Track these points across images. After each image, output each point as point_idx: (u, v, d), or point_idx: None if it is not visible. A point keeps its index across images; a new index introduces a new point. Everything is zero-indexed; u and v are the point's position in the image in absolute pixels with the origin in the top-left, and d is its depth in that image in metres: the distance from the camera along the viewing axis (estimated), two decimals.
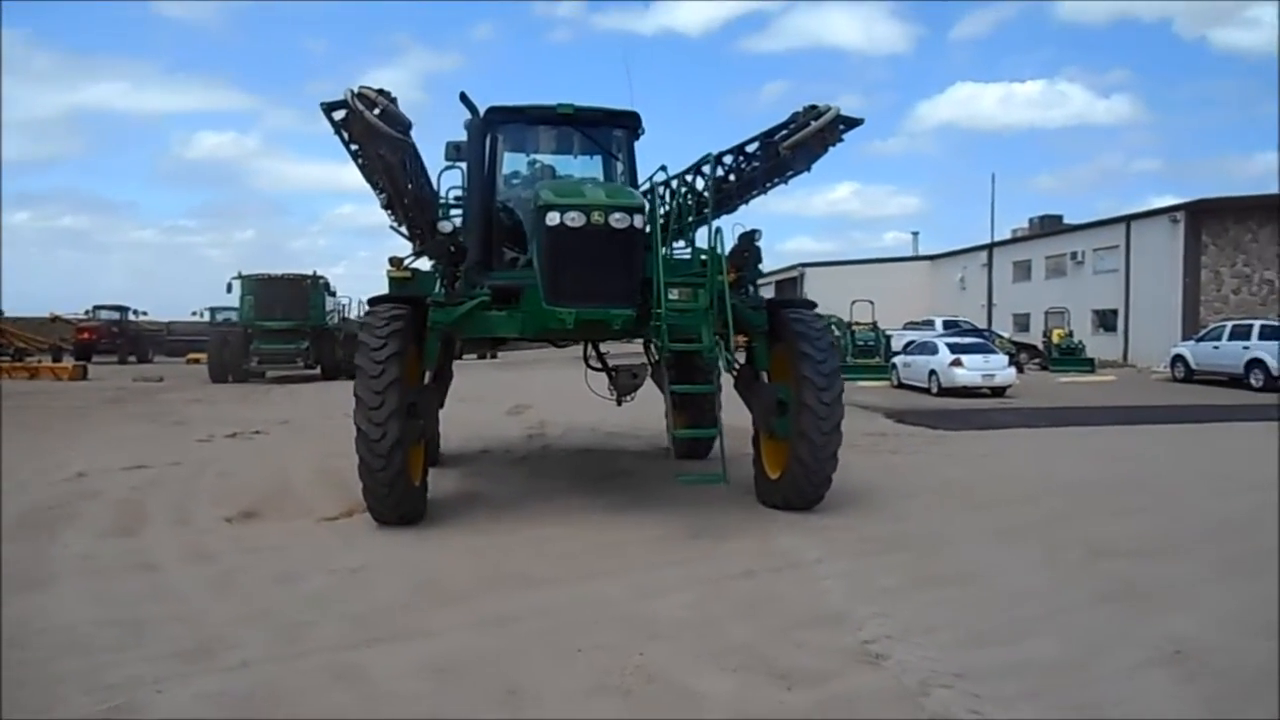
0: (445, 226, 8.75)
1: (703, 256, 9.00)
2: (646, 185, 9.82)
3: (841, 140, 8.78)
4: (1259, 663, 4.96)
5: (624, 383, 11.01)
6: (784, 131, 8.85)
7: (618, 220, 7.82)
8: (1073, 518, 8.77)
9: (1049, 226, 50.68)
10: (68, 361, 33.74)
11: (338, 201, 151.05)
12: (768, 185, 9.86)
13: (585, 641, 5.22)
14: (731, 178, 9.84)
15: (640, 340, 10.65)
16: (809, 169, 9.18)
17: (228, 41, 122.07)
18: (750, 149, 9.45)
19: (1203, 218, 36.70)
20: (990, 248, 50.78)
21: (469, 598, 6.09)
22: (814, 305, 9.14)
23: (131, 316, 43.53)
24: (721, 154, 9.49)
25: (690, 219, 9.83)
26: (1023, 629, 5.54)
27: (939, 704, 4.37)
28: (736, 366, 9.15)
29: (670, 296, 8.23)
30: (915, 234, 69.99)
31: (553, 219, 7.78)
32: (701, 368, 10.60)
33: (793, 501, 8.64)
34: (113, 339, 41.02)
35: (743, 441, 9.48)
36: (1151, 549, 7.55)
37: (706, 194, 9.50)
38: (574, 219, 7.75)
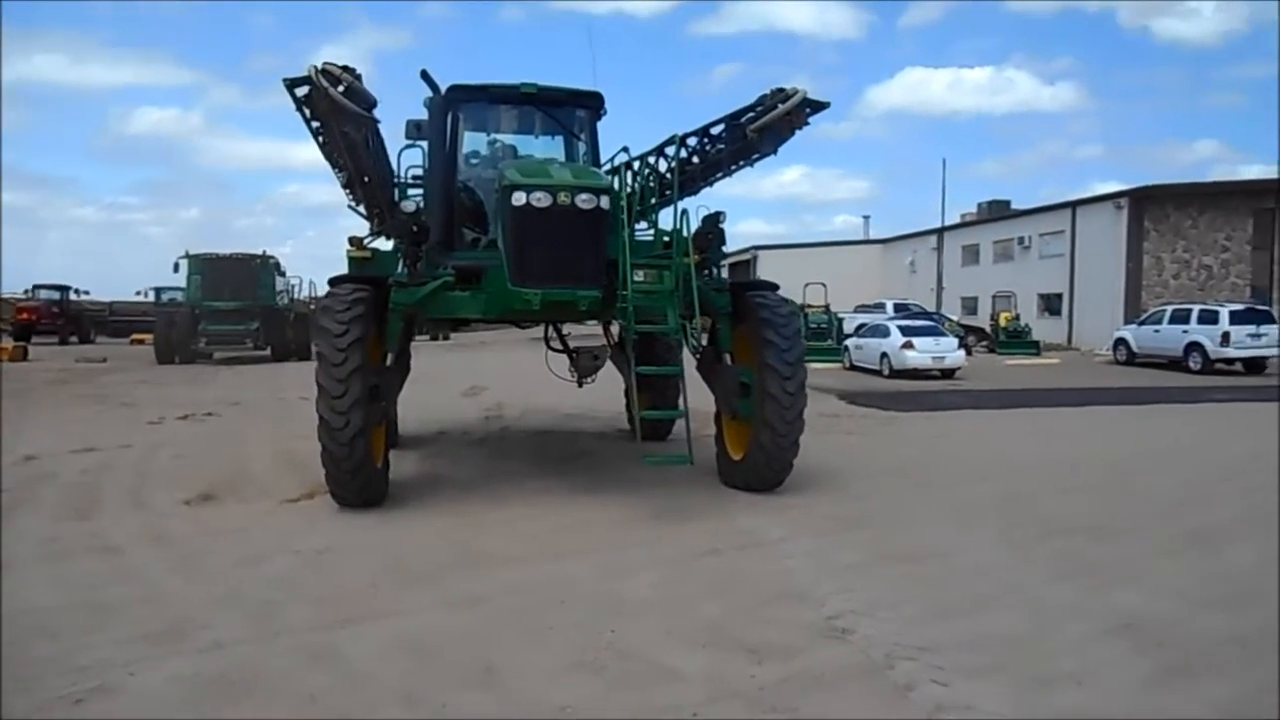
0: (408, 206, 8.67)
1: (666, 238, 9.03)
2: (608, 166, 9.80)
3: (808, 124, 8.80)
4: (1207, 634, 5.17)
5: (585, 364, 11.00)
6: (751, 114, 8.85)
7: (584, 201, 7.77)
8: (1026, 496, 9.00)
9: (997, 212, 51.44)
10: (7, 342, 32.87)
11: (284, 180, 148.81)
12: (733, 168, 9.86)
13: (556, 620, 5.29)
14: (695, 160, 9.83)
15: (598, 322, 10.66)
16: (775, 152, 9.19)
17: (170, 15, 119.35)
18: (715, 131, 9.44)
19: (1145, 204, 37.51)
20: (940, 232, 51.44)
21: (437, 578, 6.11)
22: (777, 287, 9.16)
23: (73, 296, 42.51)
24: (686, 135, 9.48)
25: (653, 200, 9.82)
26: (982, 604, 5.70)
27: (904, 676, 4.50)
28: (698, 348, 9.14)
29: (635, 278, 8.22)
30: (866, 218, 70.84)
31: (519, 199, 7.70)
32: (664, 349, 10.63)
33: (754, 484, 8.72)
34: (53, 319, 40.01)
35: (703, 423, 9.56)
36: (1101, 526, 7.77)
37: (669, 175, 9.49)
38: (540, 199, 7.68)
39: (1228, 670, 4.65)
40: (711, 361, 9.21)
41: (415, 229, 8.61)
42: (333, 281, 8.58)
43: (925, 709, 4.14)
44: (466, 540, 7.08)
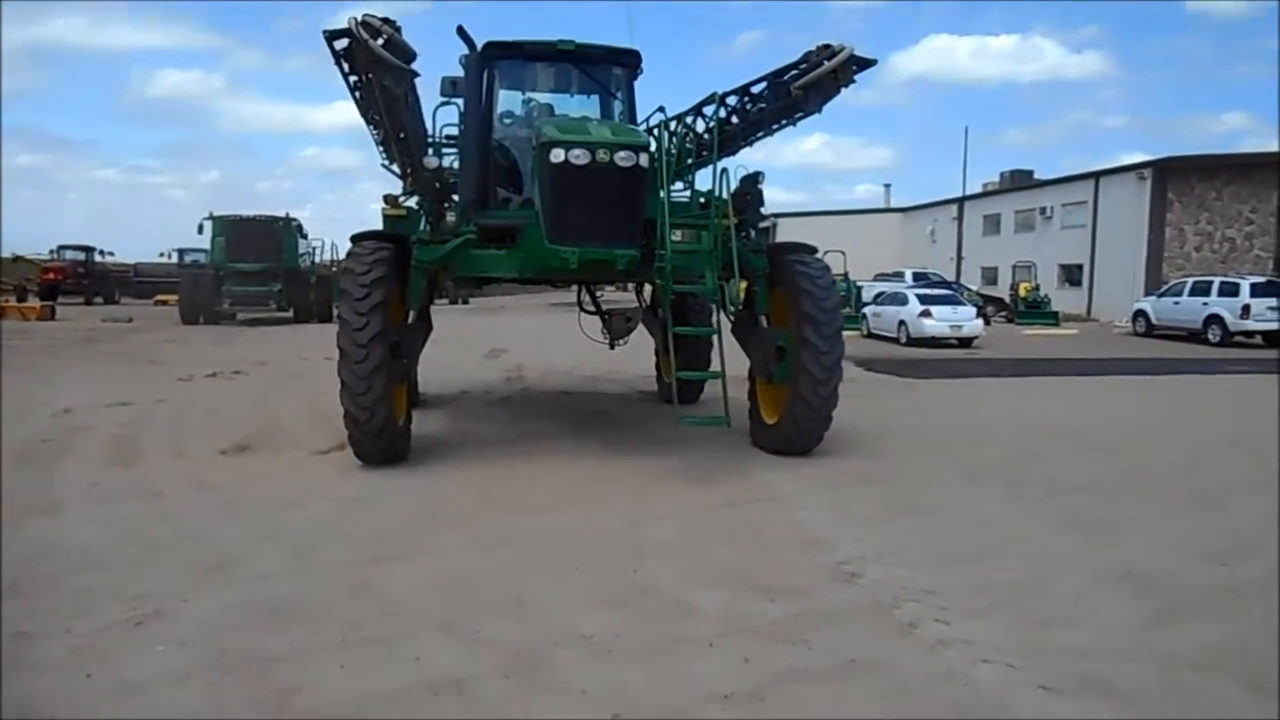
0: (430, 162, 8.58)
1: (702, 199, 8.98)
2: (643, 126, 9.74)
3: (854, 81, 8.57)
4: (1201, 583, 5.40)
5: (617, 326, 11.04)
6: (794, 72, 8.68)
7: (623, 159, 7.64)
8: (1036, 459, 9.21)
9: (1019, 181, 51.16)
10: (34, 302, 33.42)
11: (304, 143, 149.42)
12: (774, 127, 9.62)
13: (582, 561, 5.58)
14: (734, 119, 9.68)
15: (632, 283, 10.67)
16: (820, 110, 8.93)
17: None
18: (756, 89, 9.28)
19: (1169, 175, 37.30)
20: (961, 201, 51.25)
21: (467, 522, 6.41)
22: (815, 250, 9.10)
23: (97, 257, 43.07)
24: (726, 94, 9.35)
25: (690, 161, 9.74)
26: (986, 553, 5.95)
27: (909, 615, 4.76)
28: (735, 310, 9.04)
29: (673, 238, 8.20)
30: (888, 186, 70.84)
31: (557, 156, 7.58)
32: (697, 311, 10.67)
33: (787, 448, 8.73)
34: (79, 280, 40.69)
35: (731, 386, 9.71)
36: (1108, 486, 7.99)
37: (707, 136, 9.44)
38: (579, 156, 7.56)
39: (1218, 616, 4.88)
40: (747, 325, 9.15)
41: (438, 185, 8.59)
42: (354, 239, 8.53)
43: (928, 643, 4.40)
44: (494, 490, 7.37)
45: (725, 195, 8.70)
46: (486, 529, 6.25)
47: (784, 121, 9.49)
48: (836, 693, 3.89)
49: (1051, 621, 4.75)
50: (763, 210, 9.24)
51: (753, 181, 8.99)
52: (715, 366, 8.80)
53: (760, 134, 9.86)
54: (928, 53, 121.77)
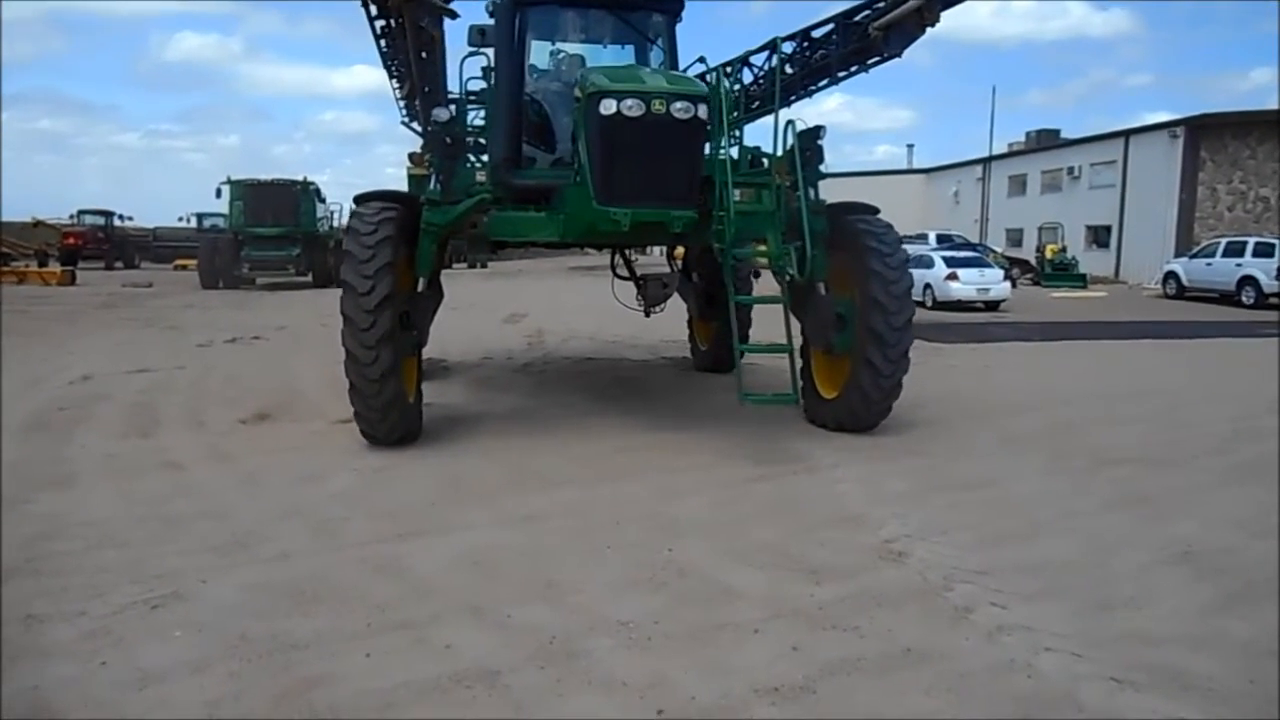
0: (440, 114, 7.99)
1: (752, 155, 8.50)
2: None
3: (939, 20, 7.95)
4: (1267, 562, 5.11)
5: (653, 293, 10.57)
6: (868, 11, 8.08)
7: (680, 110, 6.92)
8: (1076, 427, 8.91)
9: (1046, 141, 50.11)
10: (55, 266, 33.42)
11: (322, 107, 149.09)
12: (841, 74, 9.01)
13: (613, 539, 5.34)
14: (789, 68, 9.07)
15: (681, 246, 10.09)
16: (900, 54, 8.30)
17: None
18: (819, 34, 8.69)
19: (1202, 133, 36.36)
20: (987, 161, 50.35)
21: (494, 496, 6.19)
22: (877, 210, 8.38)
23: (117, 221, 43.04)
24: (782, 40, 8.75)
25: (735, 114, 9.21)
26: (1036, 531, 5.68)
27: (963, 598, 4.51)
28: (793, 276, 8.18)
29: (733, 198, 7.66)
30: (910, 146, 70.08)
31: (608, 108, 6.87)
32: (737, 276, 10.25)
33: (848, 425, 8.20)
34: (99, 244, 40.72)
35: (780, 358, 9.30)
36: (1154, 457, 7.69)
37: (755, 87, 8.88)
38: (631, 108, 6.85)
39: None
40: (803, 291, 8.29)
41: (449, 141, 8.03)
42: (359, 200, 7.93)
43: (985, 630, 4.15)
44: (519, 462, 7.15)
45: (783, 151, 8.09)
46: (512, 503, 6.02)
47: (854, 68, 8.89)
48: (892, 684, 3.65)
49: (1113, 605, 4.49)
50: (822, 168, 8.40)
51: (813, 136, 8.24)
52: (759, 339, 8.20)
53: (824, 82, 9.25)
54: (948, 12, 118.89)
